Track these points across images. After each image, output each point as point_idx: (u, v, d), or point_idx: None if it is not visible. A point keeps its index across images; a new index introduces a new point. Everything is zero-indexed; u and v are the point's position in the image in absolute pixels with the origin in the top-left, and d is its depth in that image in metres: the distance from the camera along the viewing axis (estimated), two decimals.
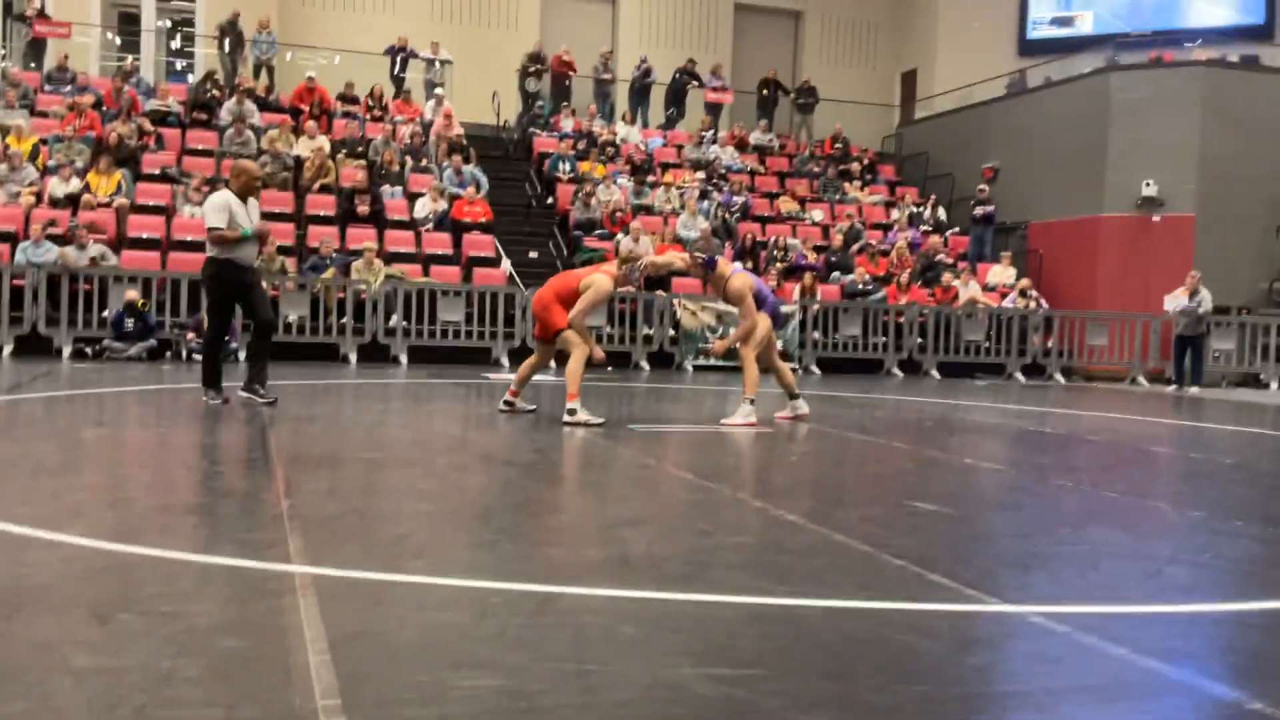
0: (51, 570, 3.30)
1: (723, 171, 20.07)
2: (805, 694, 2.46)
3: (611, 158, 19.53)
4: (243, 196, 8.26)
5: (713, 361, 15.04)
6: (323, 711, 2.23)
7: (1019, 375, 16.95)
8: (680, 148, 21.02)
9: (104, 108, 17.40)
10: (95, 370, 11.74)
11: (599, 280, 7.77)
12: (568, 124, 20.47)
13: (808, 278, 16.85)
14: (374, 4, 22.64)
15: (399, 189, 17.20)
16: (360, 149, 17.80)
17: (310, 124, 17.88)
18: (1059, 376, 17.21)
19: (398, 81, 20.47)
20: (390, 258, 15.48)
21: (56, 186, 15.30)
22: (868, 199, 20.73)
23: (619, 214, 17.37)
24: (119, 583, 3.22)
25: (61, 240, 14.13)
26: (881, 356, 16.74)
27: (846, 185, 20.93)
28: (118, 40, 21.85)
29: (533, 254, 17.10)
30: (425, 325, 14.84)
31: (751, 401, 8.05)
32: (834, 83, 23.79)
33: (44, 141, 16.21)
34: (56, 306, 13.65)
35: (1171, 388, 15.59)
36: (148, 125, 17.10)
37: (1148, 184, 18.10)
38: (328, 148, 17.45)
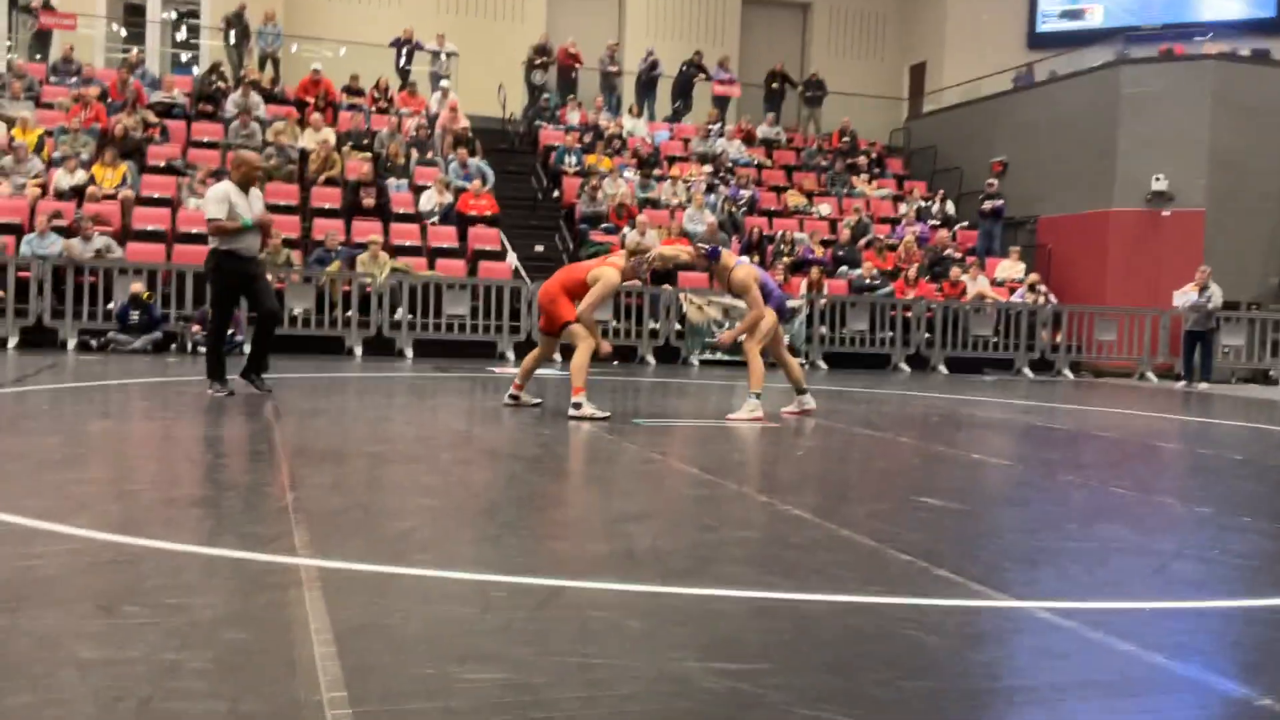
0: (57, 562, 3.31)
1: (729, 165, 20.04)
2: (811, 688, 2.45)
3: (618, 151, 19.51)
4: (244, 187, 8.27)
5: (719, 356, 15.02)
6: (328, 704, 2.23)
7: (1027, 370, 16.91)
8: (687, 141, 20.97)
9: (109, 100, 17.40)
10: (100, 363, 11.75)
11: (607, 273, 7.75)
12: (574, 117, 20.44)
13: (815, 272, 16.81)
14: None
15: (404, 182, 17.20)
16: (366, 142, 17.79)
17: (315, 116, 17.87)
18: (1067, 372, 17.16)
19: (403, 74, 20.46)
20: (395, 251, 15.48)
21: (62, 178, 15.31)
22: (875, 193, 20.68)
23: (625, 207, 17.36)
24: (124, 575, 3.22)
25: (67, 232, 14.14)
26: (889, 351, 16.71)
27: (854, 179, 20.88)
28: (123, 32, 21.85)
29: (538, 247, 17.09)
30: (430, 319, 14.84)
31: (758, 396, 8.03)
32: (842, 76, 23.73)
33: (49, 133, 16.22)
34: (61, 299, 13.66)
35: (1180, 383, 15.55)
36: (153, 117, 17.11)
37: (1157, 178, 18.03)
38: (333, 140, 17.45)
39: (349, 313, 14.57)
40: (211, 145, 17.08)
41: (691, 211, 17.52)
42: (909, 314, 16.83)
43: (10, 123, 16.02)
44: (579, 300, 7.76)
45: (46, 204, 14.72)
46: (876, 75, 25.26)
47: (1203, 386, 15.09)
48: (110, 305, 13.70)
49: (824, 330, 16.34)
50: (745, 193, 19.03)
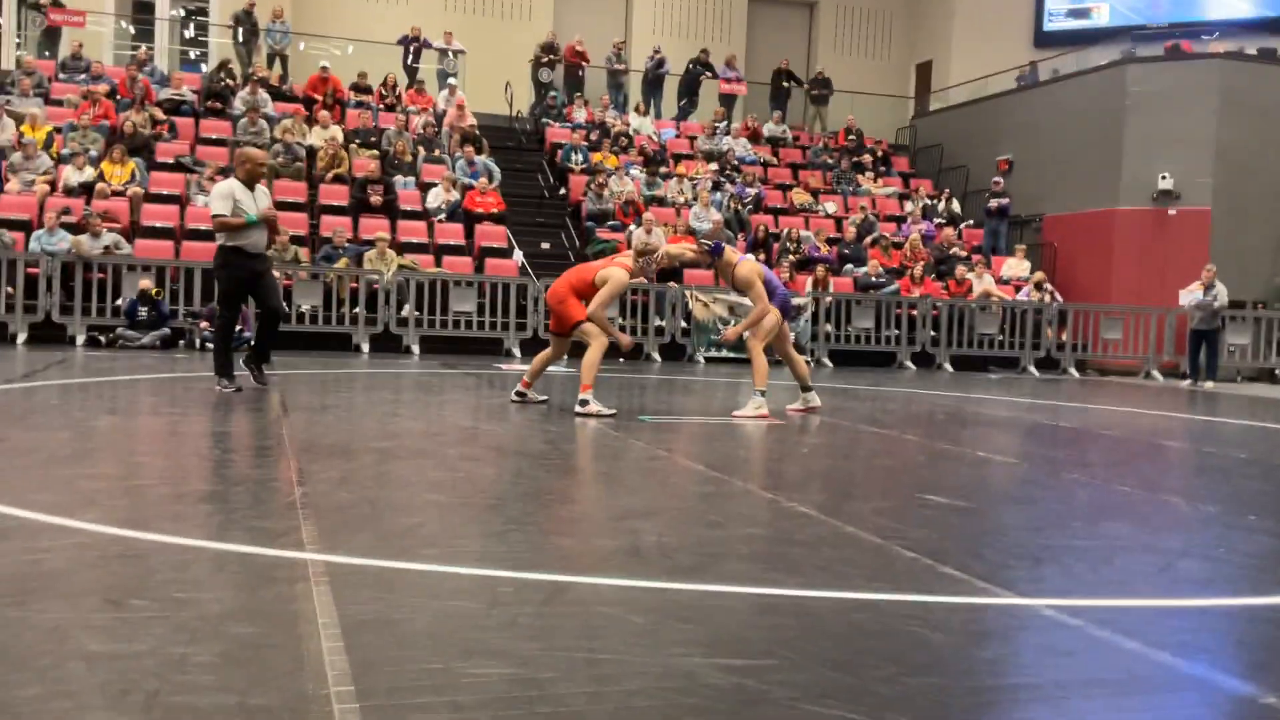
0: (65, 556, 3.32)
1: (735, 163, 20.03)
2: (815, 685, 2.46)
3: (624, 149, 19.51)
4: (249, 184, 8.32)
5: (724, 353, 15.02)
6: (335, 698, 2.24)
7: (1032, 369, 16.89)
8: (693, 139, 20.97)
9: (118, 97, 17.45)
10: (109, 358, 11.79)
11: (615, 273, 7.78)
12: (580, 115, 20.45)
13: (820, 270, 16.81)
14: None
15: (412, 179, 17.22)
16: (373, 139, 17.82)
17: (323, 114, 17.90)
18: (1073, 370, 17.14)
19: (411, 72, 20.48)
20: (403, 248, 15.50)
21: (71, 175, 15.36)
22: (881, 191, 20.66)
23: (631, 205, 17.35)
24: (132, 569, 3.23)
25: (75, 229, 14.18)
26: (894, 349, 16.70)
27: (860, 177, 20.86)
28: (132, 29, 21.90)
29: (545, 245, 17.11)
30: (437, 316, 14.86)
31: (763, 393, 8.04)
32: (848, 73, 23.72)
33: (58, 130, 16.27)
34: (70, 295, 13.71)
35: (1186, 382, 15.52)
36: (161, 114, 17.16)
37: (1163, 177, 17.99)
38: (341, 138, 17.48)
39: (356, 309, 14.60)
40: (220, 142, 17.13)
41: (697, 209, 17.52)
42: (914, 312, 16.82)
43: (19, 119, 16.06)
44: (588, 300, 7.78)
45: (55, 200, 14.77)
46: (883, 73, 25.23)
47: (1208, 385, 15.06)
48: (119, 301, 13.74)
49: (829, 328, 16.33)
50: (751, 191, 19.02)
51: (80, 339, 13.56)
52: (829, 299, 16.39)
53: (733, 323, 15.52)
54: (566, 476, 5.70)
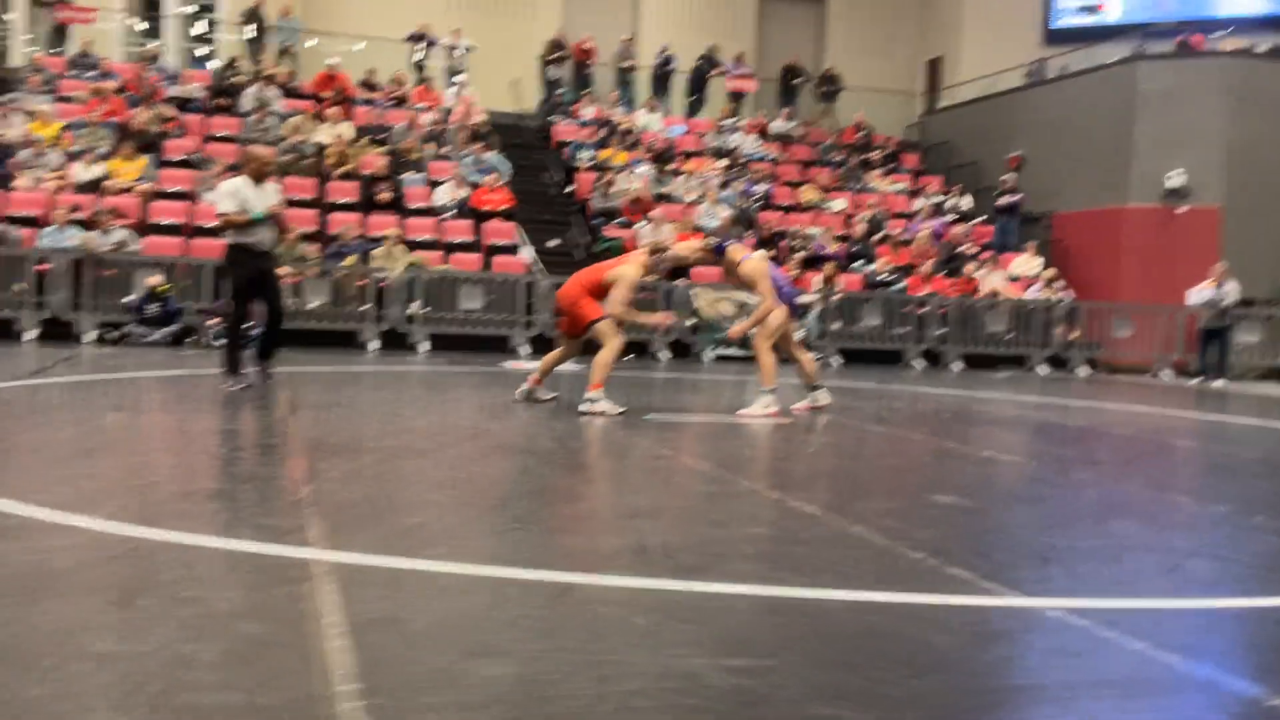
0: (72, 555, 3.33)
1: (744, 160, 20.00)
2: (821, 685, 2.46)
3: (633, 145, 19.49)
4: (256, 181, 8.39)
5: (732, 351, 15.00)
6: (341, 697, 2.24)
7: (1042, 367, 16.84)
8: (702, 135, 20.94)
9: (127, 93, 17.49)
10: (117, 355, 11.82)
11: (627, 271, 7.78)
12: (589, 111, 20.43)
13: (829, 267, 16.76)
14: None
15: (420, 176, 17.22)
16: (382, 136, 17.83)
17: (332, 111, 17.92)
18: (1083, 369, 17.08)
19: (419, 68, 20.49)
20: (411, 245, 15.51)
21: (80, 172, 15.40)
22: (890, 188, 20.61)
23: (640, 202, 17.34)
24: (139, 567, 3.24)
25: (85, 225, 14.22)
26: (903, 347, 16.66)
27: (869, 174, 20.81)
28: (141, 26, 21.95)
29: (553, 242, 17.10)
30: (445, 313, 14.87)
31: (770, 392, 8.02)
32: (857, 70, 23.63)
33: (68, 127, 16.31)
34: (80, 291, 13.75)
35: (1196, 381, 15.47)
36: (170, 111, 17.19)
37: (1173, 175, 17.92)
38: (349, 134, 17.48)
39: (365, 306, 14.61)
40: (229, 139, 17.14)
41: (706, 206, 17.49)
42: (923, 310, 16.77)
43: (29, 116, 16.11)
44: (601, 300, 7.78)
45: (65, 197, 14.81)
46: (892, 70, 25.16)
47: (1218, 384, 15.01)
48: (128, 298, 13.77)
49: (838, 326, 16.29)
50: (760, 188, 18.99)
51: (89, 335, 13.60)
52: (837, 297, 16.34)
53: (740, 320, 15.49)
54: (572, 475, 5.70)
